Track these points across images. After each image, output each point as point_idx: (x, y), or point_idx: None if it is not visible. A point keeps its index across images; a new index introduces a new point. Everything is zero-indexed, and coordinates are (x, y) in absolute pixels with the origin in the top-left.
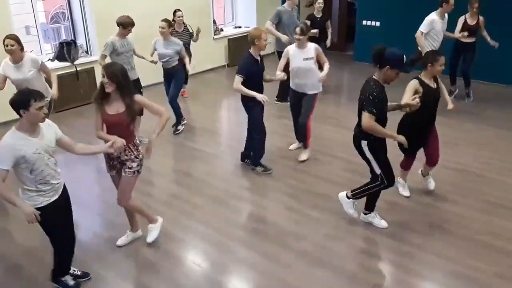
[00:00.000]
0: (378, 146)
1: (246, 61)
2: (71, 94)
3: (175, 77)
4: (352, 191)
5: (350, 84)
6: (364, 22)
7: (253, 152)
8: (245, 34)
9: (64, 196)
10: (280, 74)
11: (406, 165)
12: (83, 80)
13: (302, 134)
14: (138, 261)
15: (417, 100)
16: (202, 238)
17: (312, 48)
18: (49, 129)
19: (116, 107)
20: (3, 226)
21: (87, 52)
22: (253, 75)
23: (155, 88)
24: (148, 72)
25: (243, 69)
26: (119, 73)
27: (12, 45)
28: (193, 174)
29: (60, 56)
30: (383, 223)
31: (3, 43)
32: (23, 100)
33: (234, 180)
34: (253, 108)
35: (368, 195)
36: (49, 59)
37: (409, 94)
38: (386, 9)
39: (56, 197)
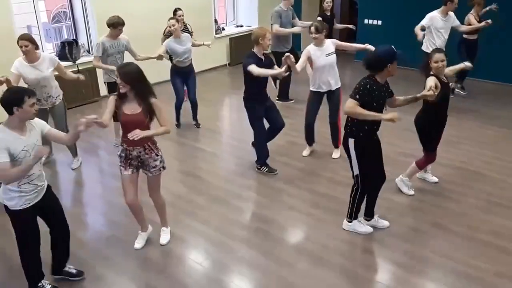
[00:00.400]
0: (365, 147)
1: (250, 58)
2: (73, 94)
3: (191, 75)
4: (346, 216)
5: (351, 83)
6: (366, 21)
7: (257, 153)
8: (247, 33)
9: (46, 199)
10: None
11: (423, 164)
12: (84, 79)
13: (334, 133)
14: (140, 260)
15: (433, 89)
16: (204, 237)
17: (330, 43)
18: (36, 126)
19: (132, 107)
20: (3, 224)
21: (88, 52)
22: None
23: (159, 87)
24: (152, 71)
25: (250, 61)
26: (133, 73)
27: (26, 46)
28: (194, 173)
29: (61, 55)
30: (385, 223)
31: (18, 44)
32: (17, 97)
33: (235, 179)
34: (250, 108)
35: (367, 202)
36: None
37: (427, 88)
38: (388, 8)
39: (37, 200)
